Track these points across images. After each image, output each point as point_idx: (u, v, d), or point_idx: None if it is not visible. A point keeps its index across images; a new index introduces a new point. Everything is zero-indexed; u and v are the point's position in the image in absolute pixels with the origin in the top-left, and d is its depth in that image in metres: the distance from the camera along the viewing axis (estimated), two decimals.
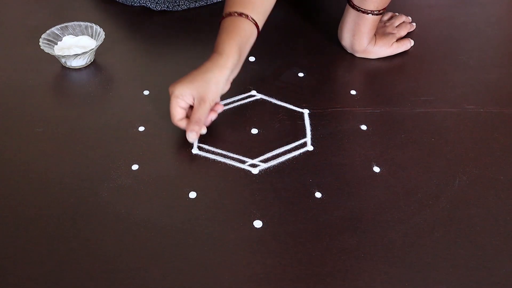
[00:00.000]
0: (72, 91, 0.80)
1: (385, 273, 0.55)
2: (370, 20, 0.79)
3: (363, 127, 0.72)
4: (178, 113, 0.68)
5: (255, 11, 0.71)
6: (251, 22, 0.70)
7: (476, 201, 0.63)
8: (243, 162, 0.68)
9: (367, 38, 0.81)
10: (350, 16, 0.80)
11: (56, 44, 0.83)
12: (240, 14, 0.70)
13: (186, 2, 0.94)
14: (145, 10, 0.95)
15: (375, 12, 0.78)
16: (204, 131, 0.69)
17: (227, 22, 0.70)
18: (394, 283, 0.54)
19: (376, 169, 0.66)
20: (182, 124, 0.69)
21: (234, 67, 0.69)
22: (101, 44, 0.82)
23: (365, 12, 0.78)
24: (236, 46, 0.68)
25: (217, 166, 0.67)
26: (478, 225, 0.60)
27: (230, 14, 0.70)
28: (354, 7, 0.79)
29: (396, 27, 0.88)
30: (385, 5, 0.78)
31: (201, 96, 0.67)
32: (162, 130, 0.72)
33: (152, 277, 0.55)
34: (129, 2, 0.95)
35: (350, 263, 0.56)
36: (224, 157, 0.68)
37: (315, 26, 0.92)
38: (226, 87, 0.70)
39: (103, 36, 0.83)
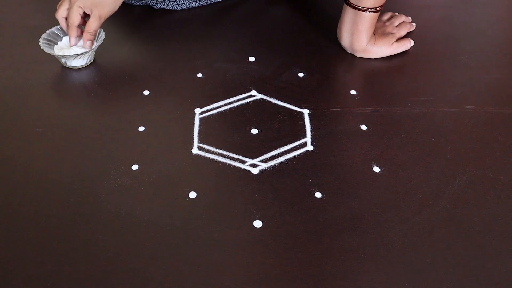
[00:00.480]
0: (72, 91, 0.80)
1: (385, 273, 0.55)
2: (368, 18, 0.79)
3: (363, 127, 0.72)
4: (76, 19, 0.80)
5: None
6: None
7: (476, 201, 0.63)
8: (243, 162, 0.68)
9: (366, 36, 0.81)
10: (348, 15, 0.80)
11: (56, 44, 0.83)
12: None
13: (186, 1, 0.94)
14: (145, 10, 0.95)
15: (372, 10, 0.78)
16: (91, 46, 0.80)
17: None
18: (394, 283, 0.54)
19: (376, 169, 0.66)
20: (75, 32, 0.80)
21: None
22: (101, 44, 0.82)
23: (362, 9, 0.78)
24: None
25: (217, 166, 0.67)
26: (478, 225, 0.60)
27: None
28: (351, 5, 0.79)
29: (396, 26, 0.88)
30: (382, 2, 0.78)
31: (99, 11, 0.79)
32: (162, 130, 0.72)
33: (152, 277, 0.55)
34: (129, 1, 0.95)
35: (350, 263, 0.56)
36: (224, 157, 0.68)
37: (315, 26, 0.92)
38: (117, 4, 0.82)
39: (103, 36, 0.83)
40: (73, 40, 0.81)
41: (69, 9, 0.80)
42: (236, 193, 0.64)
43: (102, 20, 0.81)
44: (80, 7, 0.79)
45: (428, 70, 0.83)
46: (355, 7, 0.79)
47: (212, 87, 0.79)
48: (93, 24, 0.79)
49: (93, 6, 0.79)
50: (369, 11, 0.78)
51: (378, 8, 0.78)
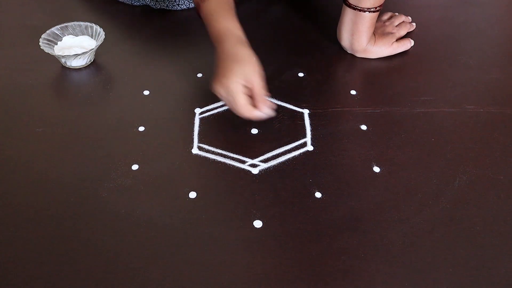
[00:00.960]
0: (72, 91, 0.80)
1: (385, 273, 0.55)
2: (367, 18, 0.79)
3: (363, 127, 0.72)
4: (245, 100, 0.64)
5: None
6: None
7: (476, 201, 0.63)
8: (243, 162, 0.68)
9: (366, 36, 0.81)
10: (348, 15, 0.80)
11: (56, 44, 0.83)
12: None
13: (186, 1, 0.94)
14: (145, 10, 0.95)
15: (372, 10, 0.78)
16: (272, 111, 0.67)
17: (211, 5, 0.68)
18: (394, 283, 0.54)
19: (376, 169, 0.66)
20: (250, 110, 0.65)
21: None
22: (101, 44, 0.82)
23: (362, 10, 0.78)
24: (236, 20, 0.68)
25: (217, 166, 0.67)
26: (478, 225, 0.60)
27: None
28: (350, 6, 0.79)
29: (396, 26, 0.88)
30: (382, 2, 0.78)
31: (250, 78, 0.65)
32: (162, 130, 0.72)
33: (152, 277, 0.55)
34: (129, 1, 0.95)
35: (350, 263, 0.56)
36: (224, 157, 0.68)
37: (315, 26, 0.92)
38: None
39: (103, 36, 0.83)
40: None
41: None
42: (236, 193, 0.64)
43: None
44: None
45: (428, 70, 0.83)
46: (354, 8, 0.79)
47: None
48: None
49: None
50: (369, 11, 0.78)
51: (378, 8, 0.78)
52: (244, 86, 0.65)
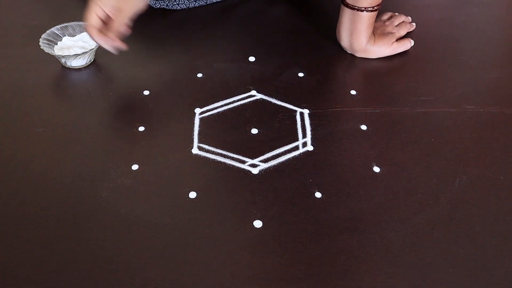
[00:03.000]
0: (72, 91, 0.80)
1: (385, 273, 0.55)
2: (366, 18, 0.79)
3: (363, 127, 0.72)
4: (94, 20, 0.73)
5: None
6: None
7: (476, 201, 0.63)
8: (243, 162, 0.68)
9: (365, 36, 0.81)
10: (346, 15, 0.81)
11: (56, 44, 0.83)
12: None
13: (185, 1, 0.94)
14: (145, 10, 0.95)
15: (370, 9, 0.78)
16: (124, 47, 0.75)
17: None
18: (394, 283, 0.54)
19: (376, 169, 0.66)
20: (93, 31, 0.73)
21: None
22: None
23: (359, 9, 0.78)
24: None
25: (217, 166, 0.67)
26: (478, 225, 0.60)
27: None
28: (348, 6, 0.79)
29: (396, 26, 0.88)
30: (379, 2, 0.78)
31: (120, 6, 0.73)
32: (162, 130, 0.72)
33: (152, 277, 0.55)
34: None
35: (350, 263, 0.56)
36: (224, 157, 0.68)
37: (315, 26, 0.92)
38: (143, 3, 0.76)
39: None
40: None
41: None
42: (236, 193, 0.64)
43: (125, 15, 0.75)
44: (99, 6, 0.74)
45: (428, 70, 0.83)
46: (352, 8, 0.79)
47: (212, 87, 0.79)
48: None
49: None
50: (367, 11, 0.78)
51: (376, 7, 0.78)
52: (104, 12, 0.73)
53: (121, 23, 0.74)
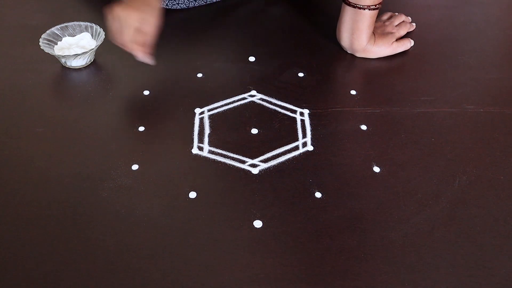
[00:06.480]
0: (72, 91, 0.80)
1: (385, 273, 0.55)
2: (367, 16, 0.79)
3: (363, 127, 0.72)
4: (131, 36, 0.73)
5: None
6: None
7: (476, 201, 0.63)
8: (243, 162, 0.68)
9: (366, 35, 0.81)
10: (347, 14, 0.80)
11: (56, 44, 0.83)
12: None
13: (185, 0, 0.94)
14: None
15: (372, 7, 0.78)
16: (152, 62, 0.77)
17: None
18: (394, 283, 0.54)
19: (376, 169, 0.66)
20: (132, 45, 0.74)
21: None
22: (101, 44, 0.82)
23: (362, 8, 0.78)
24: None
25: (217, 166, 0.67)
26: (478, 225, 0.60)
27: None
28: (350, 4, 0.79)
29: (396, 26, 0.88)
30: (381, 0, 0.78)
31: (139, 28, 0.73)
32: (162, 130, 0.72)
33: (152, 277, 0.55)
34: None
35: (350, 263, 0.56)
36: (224, 157, 0.68)
37: (315, 26, 0.92)
38: (157, 20, 0.75)
39: (103, 36, 0.83)
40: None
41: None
42: (236, 193, 0.64)
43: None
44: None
45: (428, 70, 0.83)
46: (354, 6, 0.79)
47: (212, 87, 0.79)
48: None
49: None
50: (369, 9, 0.78)
51: (377, 6, 0.79)
52: (137, 27, 0.73)
53: (150, 36, 0.75)
